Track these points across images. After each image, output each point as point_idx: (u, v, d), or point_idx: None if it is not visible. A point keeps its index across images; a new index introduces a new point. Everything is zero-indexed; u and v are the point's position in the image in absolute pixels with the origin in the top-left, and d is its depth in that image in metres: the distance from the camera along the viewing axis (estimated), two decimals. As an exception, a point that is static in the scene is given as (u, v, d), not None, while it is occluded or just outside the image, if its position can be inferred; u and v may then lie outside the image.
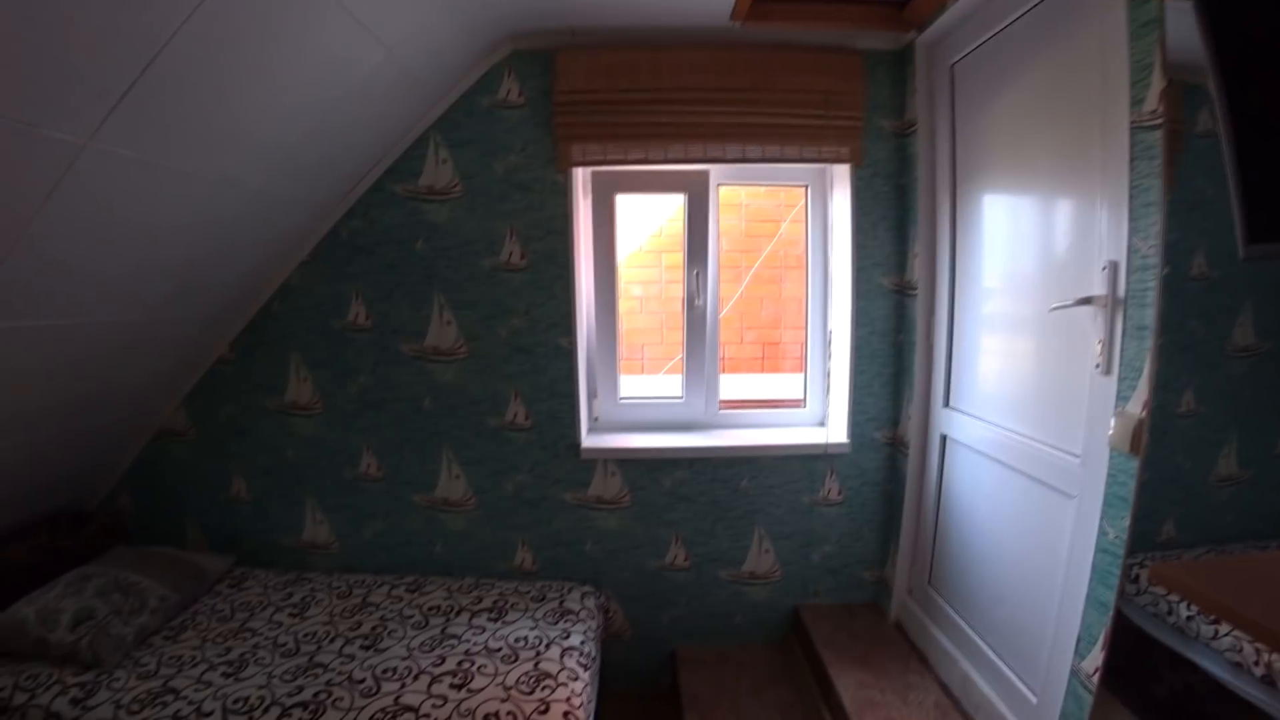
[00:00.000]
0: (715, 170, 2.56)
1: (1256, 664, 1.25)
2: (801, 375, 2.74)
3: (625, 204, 2.62)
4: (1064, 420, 1.66)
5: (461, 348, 2.50)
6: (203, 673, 1.93)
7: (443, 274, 2.46)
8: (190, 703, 1.80)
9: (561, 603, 2.31)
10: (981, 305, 2.10)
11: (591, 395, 2.65)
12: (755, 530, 2.57)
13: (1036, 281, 1.80)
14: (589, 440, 2.53)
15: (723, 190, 2.62)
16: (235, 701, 1.81)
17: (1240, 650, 1.28)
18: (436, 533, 2.60)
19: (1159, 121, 1.32)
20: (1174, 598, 1.42)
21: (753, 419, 2.72)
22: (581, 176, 2.49)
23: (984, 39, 1.97)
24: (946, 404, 2.27)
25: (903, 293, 2.46)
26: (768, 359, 2.90)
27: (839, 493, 2.56)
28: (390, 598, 2.36)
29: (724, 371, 2.71)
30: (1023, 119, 1.85)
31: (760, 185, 2.66)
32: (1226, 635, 1.31)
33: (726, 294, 2.72)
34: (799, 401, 2.74)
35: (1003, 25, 1.88)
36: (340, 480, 2.61)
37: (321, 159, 2.15)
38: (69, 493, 2.53)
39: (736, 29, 2.23)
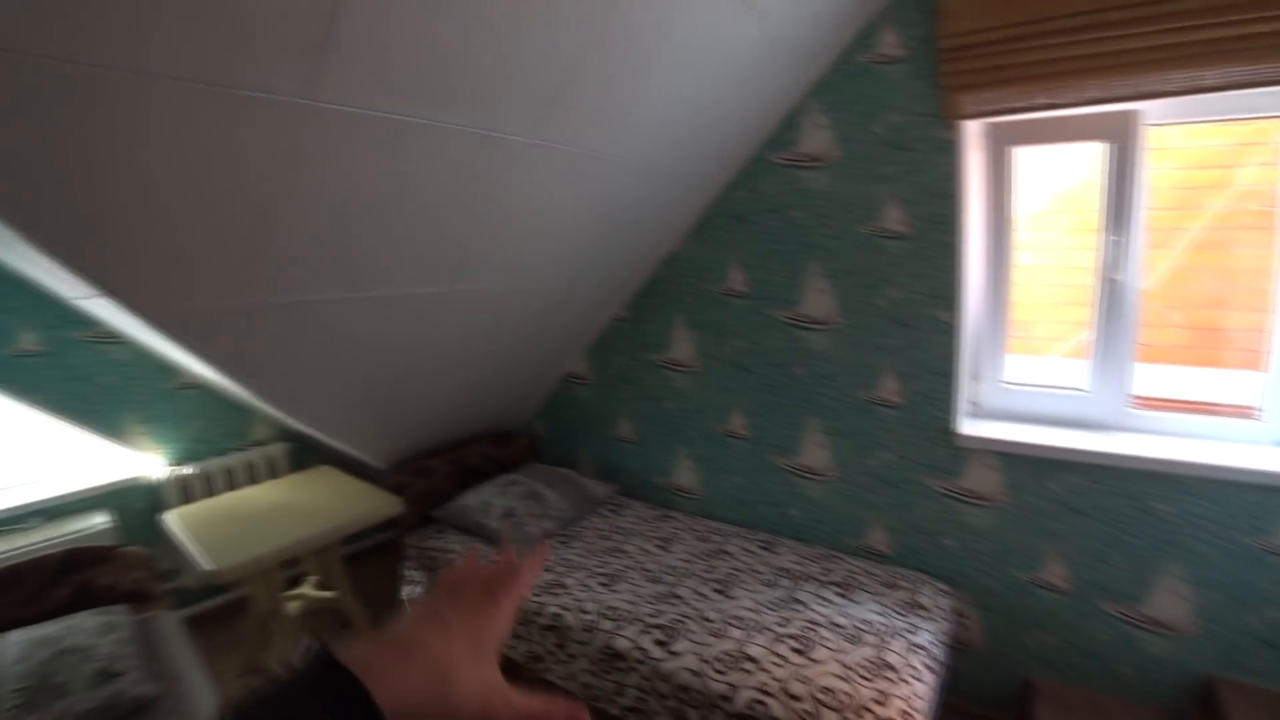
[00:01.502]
0: (1149, 106, 1.96)
1: None
2: (1257, 375, 2.01)
3: (1026, 156, 2.22)
4: None
5: (836, 317, 2.45)
6: (584, 577, 2.29)
7: (820, 242, 2.43)
8: (575, 599, 2.15)
9: (913, 595, 2.17)
10: None
11: (973, 377, 2.37)
12: (1166, 566, 2.01)
13: None
14: (966, 426, 2.28)
15: (1152, 132, 2.02)
16: (608, 608, 2.10)
17: None
18: (793, 497, 2.64)
19: None
20: None
21: (1179, 426, 2.11)
22: (973, 130, 2.17)
23: None
24: None
25: None
26: (1204, 349, 2.12)
27: None
28: (744, 550, 2.47)
29: (1144, 360, 2.14)
30: None
31: (1212, 122, 1.98)
32: None
33: (1153, 262, 2.10)
34: (1250, 410, 2.04)
35: None
36: (709, 434, 2.79)
37: (705, 135, 2.27)
38: (503, 416, 3.16)
39: None
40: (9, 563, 1.99)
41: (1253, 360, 2.02)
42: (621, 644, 1.95)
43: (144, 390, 2.61)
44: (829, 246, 2.42)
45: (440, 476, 2.79)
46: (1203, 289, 2.08)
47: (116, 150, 1.28)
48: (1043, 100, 1.96)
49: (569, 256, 2.44)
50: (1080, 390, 2.25)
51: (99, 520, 2.46)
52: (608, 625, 2.02)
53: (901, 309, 2.32)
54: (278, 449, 2.98)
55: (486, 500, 2.61)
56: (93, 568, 2.07)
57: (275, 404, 2.29)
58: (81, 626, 1.79)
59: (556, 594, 2.19)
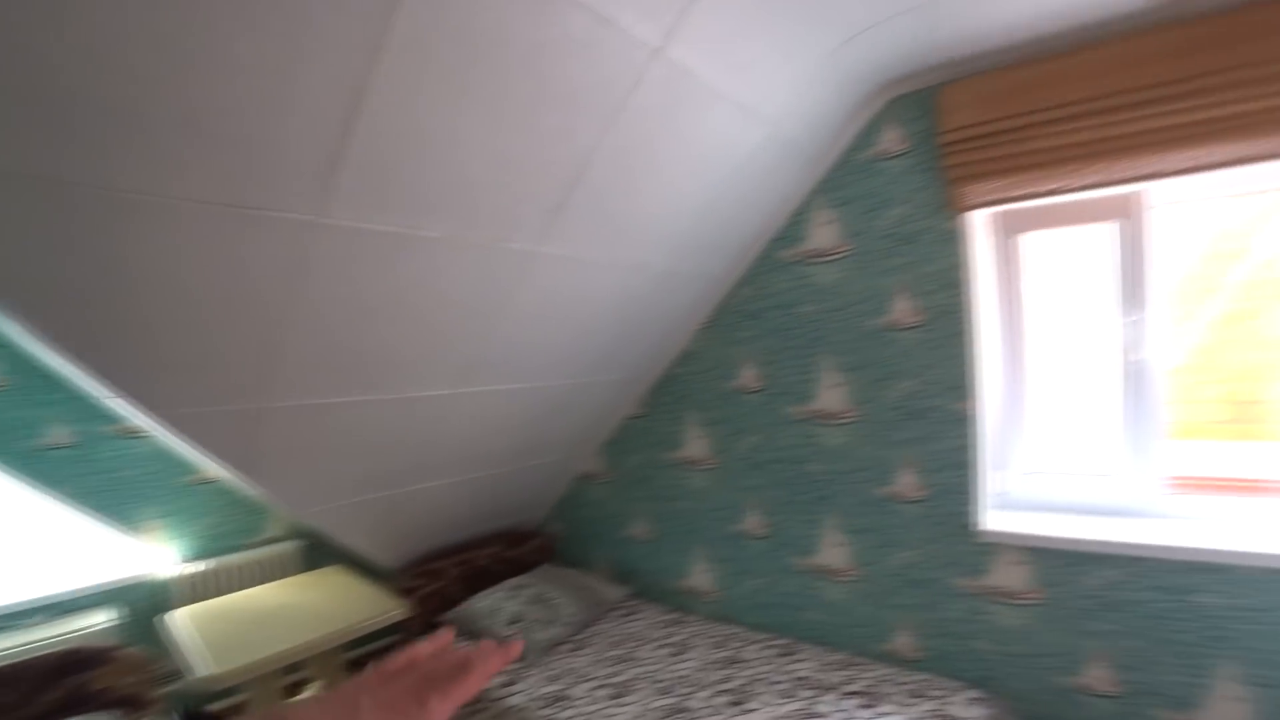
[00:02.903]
0: (1153, 186, 1.98)
1: None
2: None
3: (1034, 241, 2.24)
4: None
5: (850, 411, 2.41)
6: (593, 689, 2.15)
7: (830, 336, 2.43)
8: (582, 714, 2.00)
9: (943, 705, 1.99)
10: None
11: (995, 467, 2.28)
12: (1219, 666, 1.84)
13: None
14: (989, 519, 2.17)
15: (1166, 209, 2.03)
16: (615, 723, 1.95)
17: None
18: (812, 599, 2.50)
19: None
20: None
21: (1220, 508, 1.99)
22: (979, 219, 2.21)
23: None
24: None
25: None
26: (1242, 422, 2.03)
27: None
28: (761, 658, 2.32)
29: (1175, 437, 2.05)
30: None
31: (1224, 198, 2.01)
32: None
33: (1179, 337, 2.06)
34: None
35: None
36: (725, 534, 2.71)
37: (712, 236, 2.35)
38: (516, 516, 3.12)
39: (1160, 4, 1.75)
40: (4, 662, 1.96)
41: None
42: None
43: (162, 485, 2.64)
44: (840, 340, 2.41)
45: (450, 578, 2.72)
46: (1235, 360, 2.02)
47: (142, 267, 1.40)
48: (1045, 188, 1.99)
49: (578, 356, 2.48)
50: (1110, 475, 2.15)
51: (104, 617, 2.43)
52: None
53: (916, 401, 2.28)
54: (289, 547, 2.95)
55: (495, 605, 2.53)
56: (89, 670, 2.02)
57: (285, 502, 2.31)
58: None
59: (562, 707, 2.06)
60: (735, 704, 2.05)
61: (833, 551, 2.46)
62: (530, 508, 3.15)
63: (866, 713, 1.97)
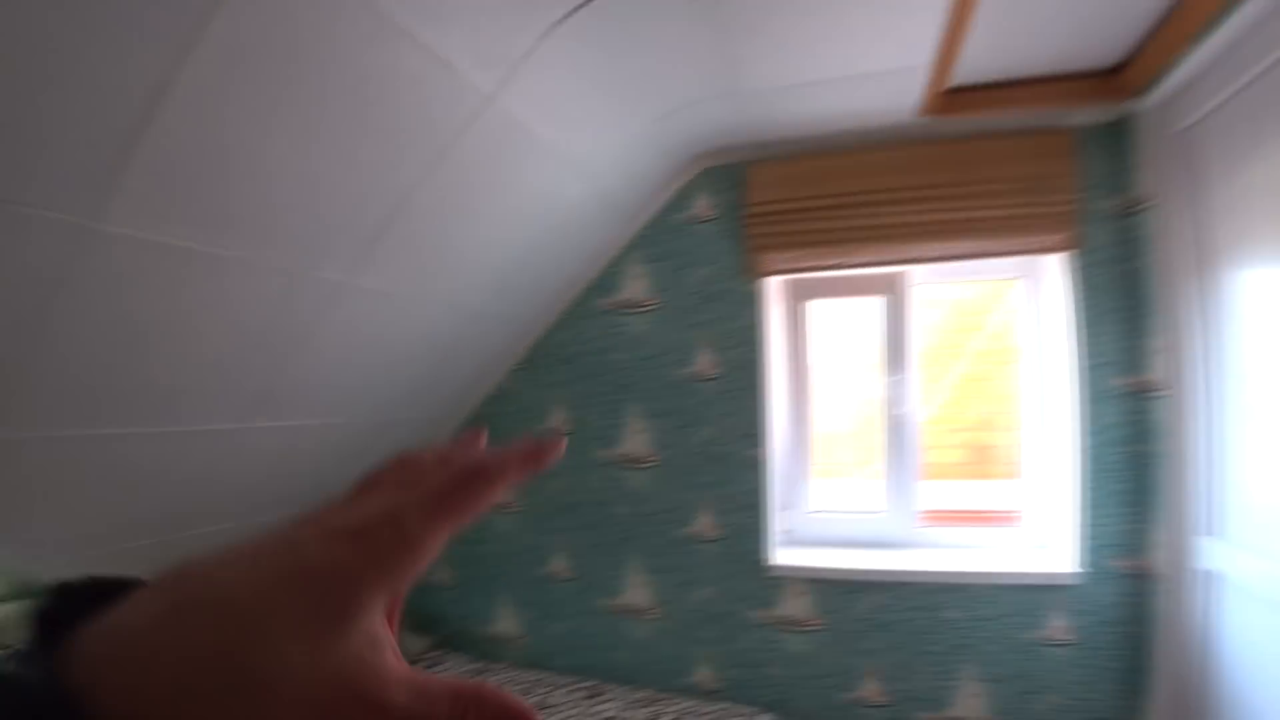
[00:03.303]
0: (913, 269, 2.43)
1: None
2: (1017, 483, 2.43)
3: (818, 308, 2.59)
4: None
5: (654, 456, 2.54)
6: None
7: (638, 384, 2.55)
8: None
9: (743, 730, 2.16)
10: (1250, 404, 1.73)
11: (782, 508, 2.54)
12: (963, 669, 2.24)
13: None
14: (778, 556, 2.41)
15: (923, 288, 2.50)
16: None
17: None
18: (619, 639, 2.58)
19: None
20: None
21: (960, 538, 2.44)
22: (773, 285, 2.50)
23: (1224, 98, 1.72)
24: (1209, 532, 1.86)
25: (1142, 395, 2.12)
26: (977, 464, 2.58)
27: (1067, 631, 2.18)
28: (568, 701, 2.34)
29: (927, 478, 2.47)
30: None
31: (964, 280, 2.52)
32: None
33: (930, 394, 2.51)
34: (1015, 517, 2.42)
35: (1247, 79, 1.62)
36: (532, 577, 2.70)
37: (530, 279, 2.38)
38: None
39: (927, 124, 2.17)
40: None
41: (1012, 470, 2.45)
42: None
43: None
44: (647, 388, 2.55)
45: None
46: (972, 413, 2.52)
47: None
48: (827, 263, 2.33)
49: (384, 392, 2.35)
50: (876, 512, 2.50)
51: None
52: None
53: (714, 446, 2.47)
54: (16, 609, 2.47)
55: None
56: None
57: (21, 553, 1.94)
58: None
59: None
60: (546, 753, 2.05)
61: (637, 591, 2.56)
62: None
63: (672, 747, 2.07)
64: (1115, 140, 2.16)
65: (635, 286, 2.56)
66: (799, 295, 2.58)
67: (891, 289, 2.47)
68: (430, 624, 2.82)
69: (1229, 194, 1.77)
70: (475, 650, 2.75)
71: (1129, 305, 2.14)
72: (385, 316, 2.04)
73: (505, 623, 2.75)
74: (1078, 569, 2.15)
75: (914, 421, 2.45)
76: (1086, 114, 2.14)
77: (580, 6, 1.51)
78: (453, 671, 2.57)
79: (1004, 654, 2.21)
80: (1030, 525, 2.38)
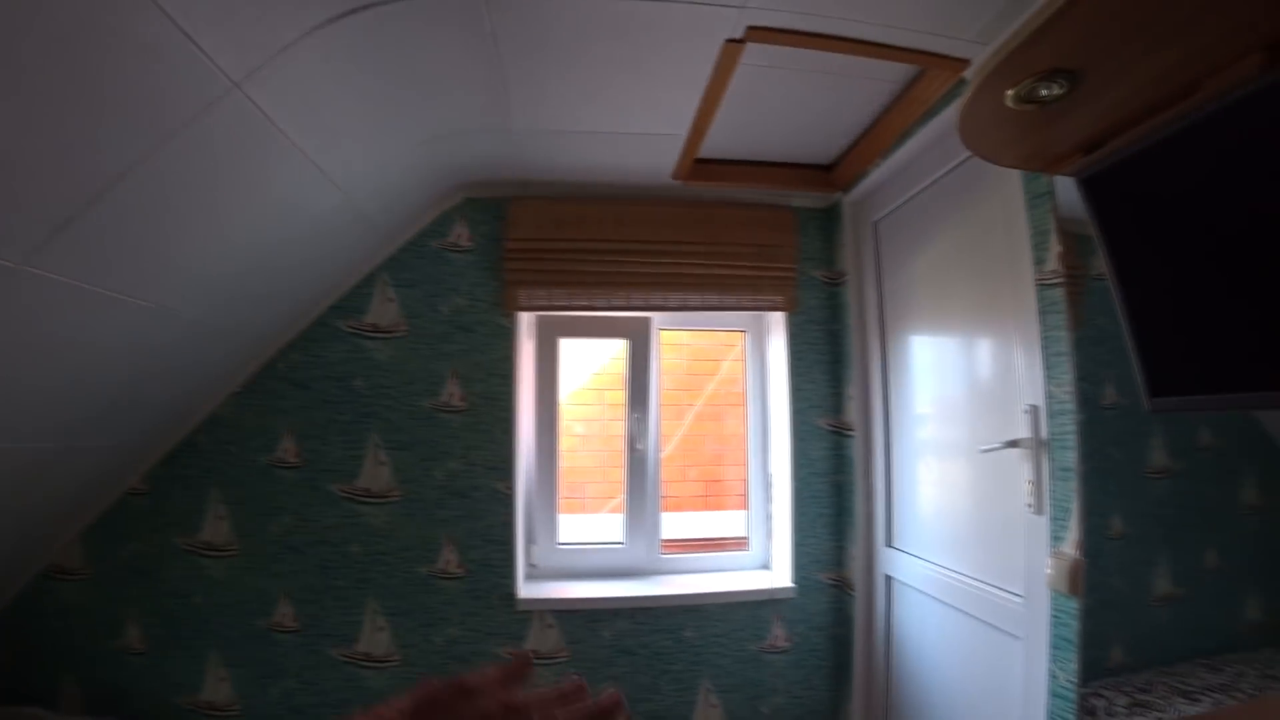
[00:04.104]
0: (657, 316, 2.63)
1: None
2: (745, 513, 2.72)
3: (569, 346, 2.66)
4: (1004, 559, 1.68)
5: (395, 491, 2.40)
6: None
7: (380, 413, 2.40)
8: None
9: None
10: (915, 441, 2.18)
11: (529, 541, 2.55)
12: (701, 683, 2.43)
13: (965, 413, 1.90)
14: (525, 590, 2.41)
15: (666, 334, 2.71)
16: None
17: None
18: (356, 692, 2.38)
19: (1060, 280, 1.44)
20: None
21: (696, 564, 2.65)
22: (526, 320, 2.53)
23: (903, 200, 2.17)
24: (889, 544, 2.29)
25: (840, 433, 2.53)
26: (711, 496, 2.89)
27: (786, 639, 2.48)
28: (295, 770, 2.12)
29: (667, 510, 2.65)
30: (943, 271, 2.01)
31: (700, 330, 2.79)
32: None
33: (669, 431, 2.71)
34: (743, 542, 2.70)
35: (919, 189, 2.07)
36: (250, 630, 2.39)
37: (265, 292, 2.12)
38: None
39: (678, 187, 2.39)
40: None
41: (742, 501, 2.74)
42: None
43: None
44: (390, 418, 2.41)
45: None
46: (707, 449, 2.82)
47: None
48: (577, 303, 2.42)
49: (64, 412, 1.90)
50: (619, 544, 2.61)
51: None
52: None
53: (459, 480, 2.41)
54: None
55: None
56: None
57: None
58: None
59: None
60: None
61: (375, 637, 2.39)
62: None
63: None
64: (826, 223, 2.62)
65: (384, 310, 2.41)
66: (552, 331, 2.62)
67: (636, 332, 2.64)
68: (113, 702, 2.36)
69: (904, 275, 2.25)
70: (174, 725, 2.37)
71: (831, 359, 2.57)
72: (71, 318, 1.65)
73: (215, 688, 2.39)
74: (792, 583, 2.47)
75: (654, 457, 2.61)
76: (806, 198, 2.56)
77: (350, 12, 1.40)
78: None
79: (734, 665, 2.45)
80: (755, 548, 2.67)
